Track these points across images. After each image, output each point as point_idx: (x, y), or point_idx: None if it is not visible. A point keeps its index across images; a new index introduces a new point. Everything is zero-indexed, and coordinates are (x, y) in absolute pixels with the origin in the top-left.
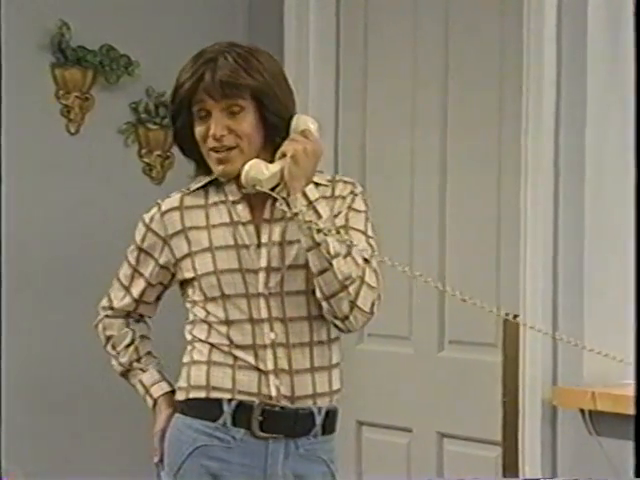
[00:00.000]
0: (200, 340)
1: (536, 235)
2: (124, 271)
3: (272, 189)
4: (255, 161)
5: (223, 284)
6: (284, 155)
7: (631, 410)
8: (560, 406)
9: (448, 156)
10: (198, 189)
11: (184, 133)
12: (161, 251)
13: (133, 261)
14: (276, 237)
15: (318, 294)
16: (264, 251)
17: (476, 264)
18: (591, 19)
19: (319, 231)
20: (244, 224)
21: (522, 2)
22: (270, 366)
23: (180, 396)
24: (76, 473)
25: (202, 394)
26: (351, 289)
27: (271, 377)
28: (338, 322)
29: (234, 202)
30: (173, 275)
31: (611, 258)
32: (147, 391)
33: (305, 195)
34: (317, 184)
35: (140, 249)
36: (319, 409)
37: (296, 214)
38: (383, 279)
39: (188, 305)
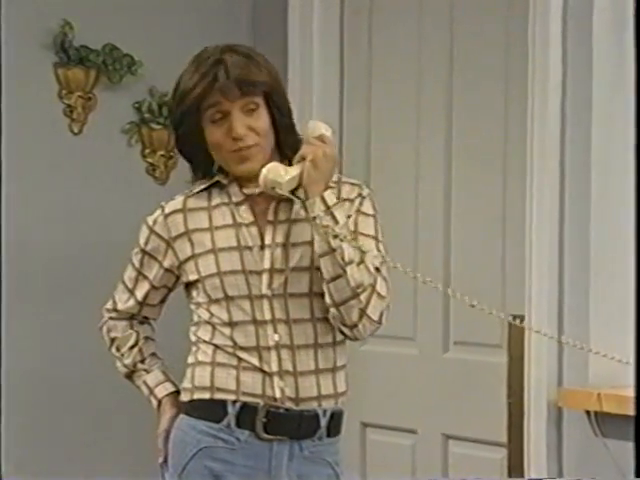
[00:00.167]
0: (204, 341)
1: (542, 236)
2: (128, 274)
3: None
4: (274, 164)
5: (226, 286)
6: (303, 159)
7: None
8: (566, 407)
9: (453, 157)
10: (201, 191)
11: (191, 139)
12: (165, 254)
13: (137, 264)
14: (279, 239)
15: (328, 300)
16: (267, 253)
17: (481, 265)
18: (596, 21)
19: (335, 237)
20: (247, 226)
21: (528, 3)
22: (274, 368)
23: (184, 397)
24: (80, 474)
25: (206, 395)
26: (362, 297)
27: (275, 379)
28: (346, 329)
29: (237, 204)
30: (177, 278)
31: (617, 259)
32: (151, 392)
33: (323, 200)
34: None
35: (144, 252)
36: (324, 411)
37: (314, 218)
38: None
39: (192, 307)
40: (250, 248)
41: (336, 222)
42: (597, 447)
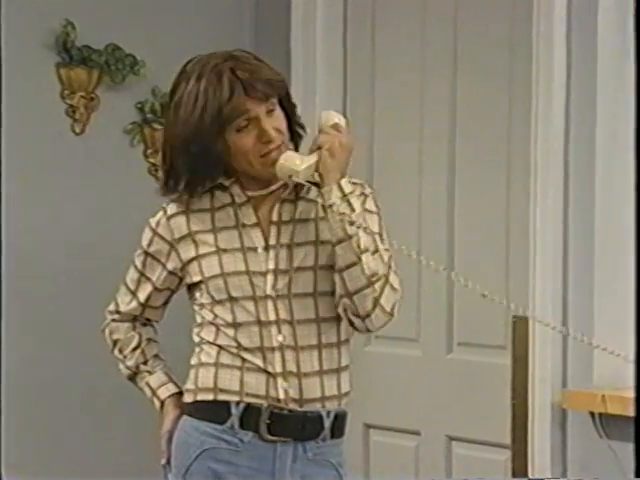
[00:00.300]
0: (208, 342)
1: (546, 235)
2: (131, 275)
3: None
4: (290, 153)
5: (230, 287)
6: (319, 148)
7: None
8: (570, 409)
9: (457, 156)
10: (204, 192)
11: (206, 153)
12: (168, 256)
13: (140, 265)
14: (284, 239)
15: (340, 291)
16: (272, 253)
17: (485, 264)
18: (601, 21)
19: (351, 224)
20: (251, 226)
21: (532, 3)
22: (278, 369)
23: (188, 398)
24: (80, 474)
25: (210, 396)
26: (377, 286)
27: (279, 380)
28: (357, 321)
29: (240, 205)
30: (181, 280)
31: (621, 258)
32: (154, 393)
33: (340, 187)
34: None
35: (147, 253)
36: (328, 412)
37: (331, 206)
38: None
39: (196, 308)
40: (254, 249)
41: (352, 210)
42: (601, 449)
